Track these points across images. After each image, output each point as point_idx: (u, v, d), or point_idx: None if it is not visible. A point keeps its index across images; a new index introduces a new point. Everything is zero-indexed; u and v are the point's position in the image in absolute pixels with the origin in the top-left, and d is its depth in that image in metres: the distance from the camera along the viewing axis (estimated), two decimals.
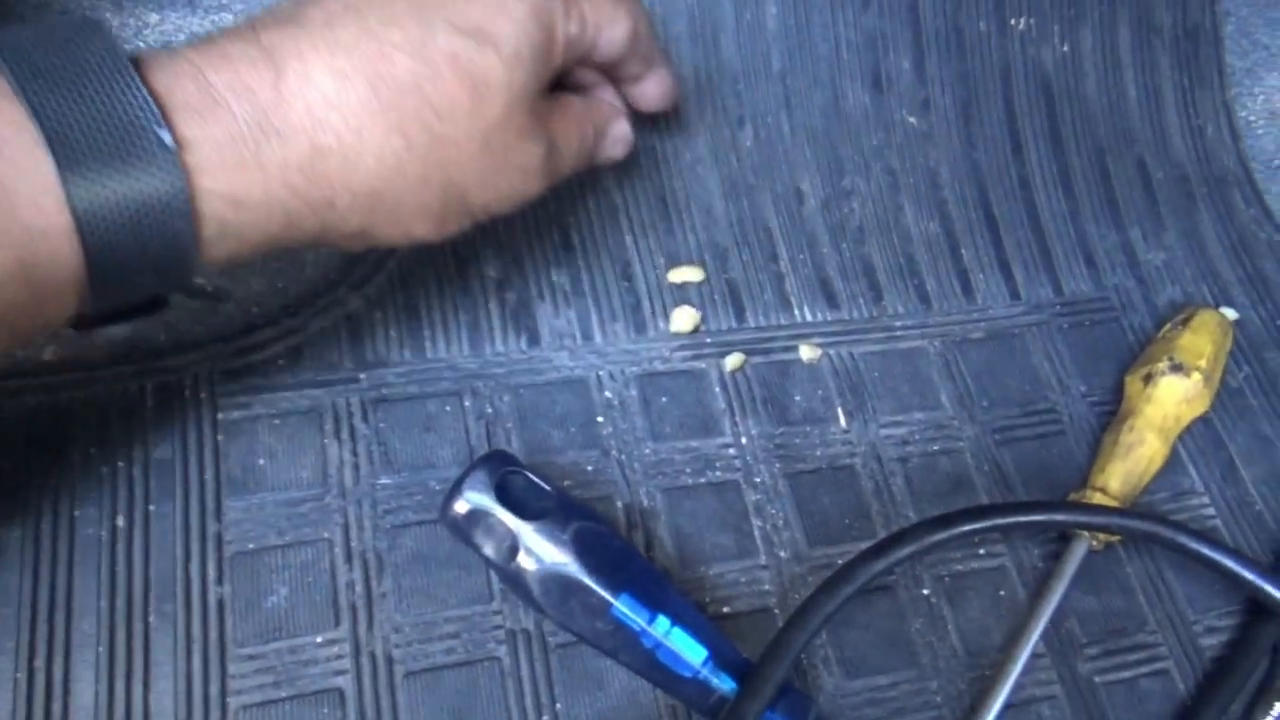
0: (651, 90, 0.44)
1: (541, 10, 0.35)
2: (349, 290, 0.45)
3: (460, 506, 0.34)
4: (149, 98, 0.27)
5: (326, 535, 0.39)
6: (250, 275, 0.45)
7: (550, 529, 0.34)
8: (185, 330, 0.43)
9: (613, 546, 0.36)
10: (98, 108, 0.27)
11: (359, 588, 0.38)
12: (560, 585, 0.34)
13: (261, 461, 0.40)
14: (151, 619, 0.36)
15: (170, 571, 0.37)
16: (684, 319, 0.47)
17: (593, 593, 0.34)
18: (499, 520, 0.34)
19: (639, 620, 0.34)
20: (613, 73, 0.43)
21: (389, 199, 0.32)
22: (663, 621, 0.34)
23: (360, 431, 0.42)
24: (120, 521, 0.38)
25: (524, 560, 0.34)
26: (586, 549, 0.34)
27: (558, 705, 0.38)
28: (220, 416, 0.41)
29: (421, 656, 0.38)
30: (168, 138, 0.27)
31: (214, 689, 0.35)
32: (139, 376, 0.41)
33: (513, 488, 0.35)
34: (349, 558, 0.39)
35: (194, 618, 0.36)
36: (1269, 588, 0.42)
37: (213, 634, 0.36)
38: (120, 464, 0.39)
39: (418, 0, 0.33)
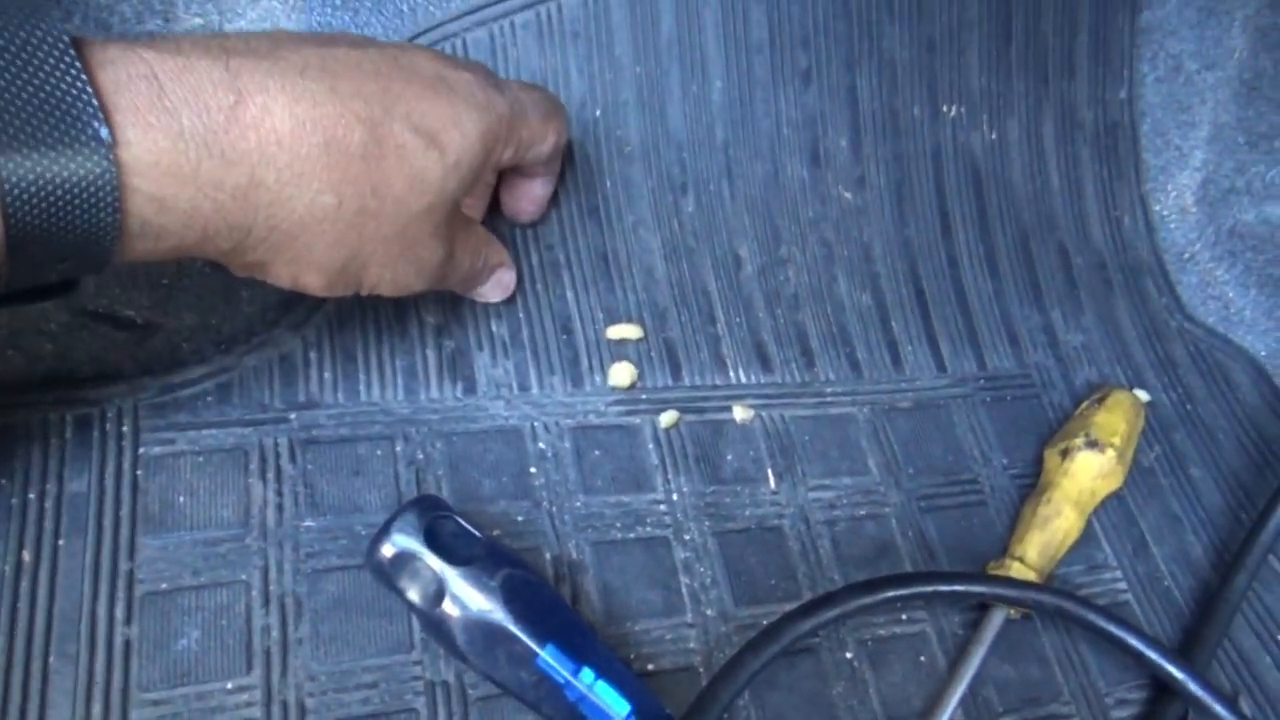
0: (534, 190, 0.48)
1: (489, 135, 0.38)
2: (285, 330, 0.44)
3: (387, 549, 0.34)
4: (90, 91, 0.27)
5: (244, 577, 0.38)
6: (183, 310, 0.44)
7: (478, 575, 0.34)
8: (110, 361, 0.42)
9: (541, 596, 0.35)
10: (38, 93, 0.27)
11: (275, 633, 0.37)
12: (486, 633, 0.34)
13: (181, 499, 0.39)
14: (52, 660, 0.34)
15: (76, 610, 0.36)
16: (622, 374, 0.48)
17: (519, 641, 0.34)
18: (426, 564, 0.34)
19: (564, 672, 0.34)
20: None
21: (300, 246, 0.34)
22: (588, 674, 0.34)
23: (287, 472, 0.41)
24: (26, 556, 0.36)
25: (450, 606, 0.34)
26: (515, 597, 0.34)
27: None
28: (141, 451, 0.40)
29: (336, 706, 0.36)
30: (105, 133, 0.27)
31: None
32: (58, 405, 0.39)
33: (442, 532, 0.35)
34: (266, 601, 0.38)
35: (98, 659, 0.35)
36: (1170, 667, 0.43)
37: (116, 677, 0.35)
38: (31, 495, 0.37)
39: (387, 87, 0.35)
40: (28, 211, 0.27)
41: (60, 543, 0.37)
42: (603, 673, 0.34)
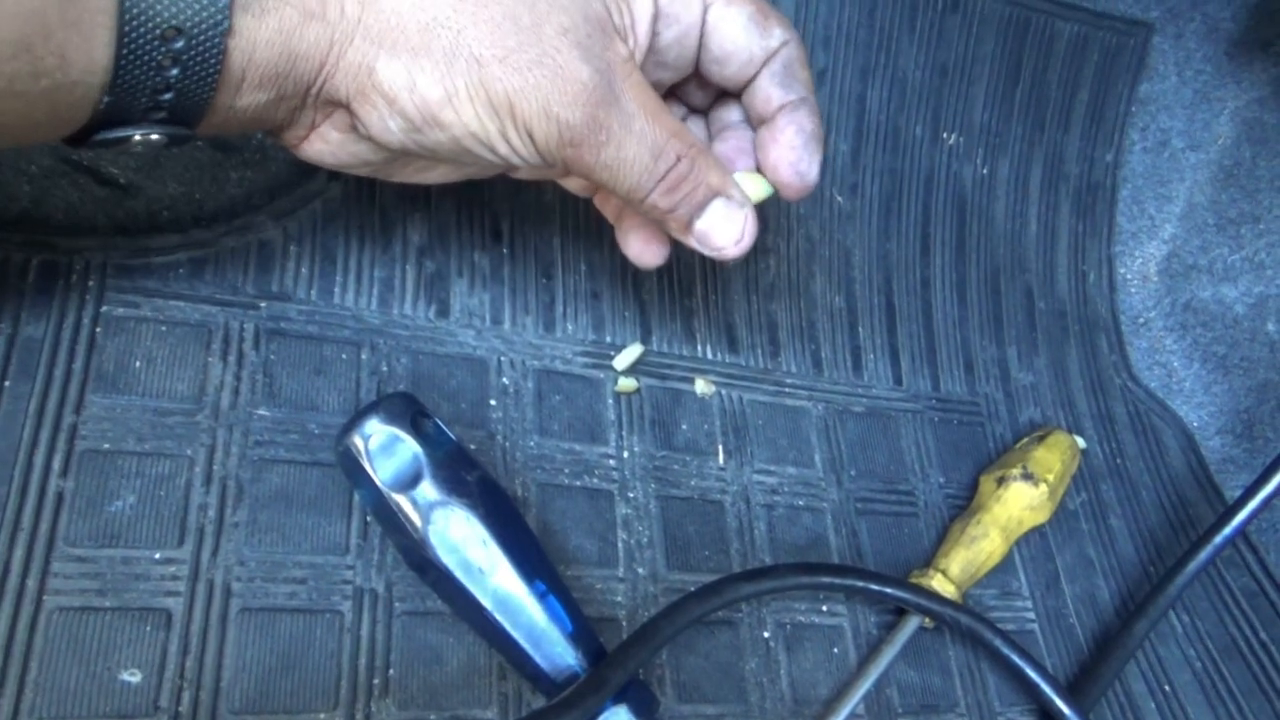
0: (781, 132, 0.36)
1: None
2: (268, 218, 0.43)
3: (371, 427, 0.34)
4: None
5: (189, 453, 0.37)
6: (167, 178, 0.43)
7: (456, 469, 0.35)
8: (86, 214, 0.41)
9: (506, 505, 0.36)
10: None
11: (212, 512, 0.37)
12: (456, 523, 0.34)
13: (138, 364, 0.38)
14: None
15: (12, 454, 0.35)
16: (630, 357, 0.48)
17: (486, 539, 0.34)
18: (409, 447, 0.34)
19: (520, 579, 0.34)
20: (748, 104, 0.37)
21: (388, 9, 0.30)
22: (539, 586, 0.35)
23: (248, 358, 0.40)
24: None
25: (425, 490, 0.34)
26: (486, 497, 0.35)
27: (391, 671, 0.37)
28: (104, 309, 0.39)
29: (262, 595, 0.36)
30: None
31: (31, 583, 0.33)
32: (25, 248, 0.38)
33: (423, 427, 0.35)
34: (208, 480, 0.37)
35: (27, 506, 0.34)
36: (1061, 704, 0.46)
37: (43, 527, 0.34)
38: None
39: None
40: None
41: (6, 384, 0.36)
42: (552, 589, 0.35)
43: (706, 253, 0.37)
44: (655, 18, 0.34)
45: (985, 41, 0.63)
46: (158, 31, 0.28)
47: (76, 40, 0.27)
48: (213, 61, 0.29)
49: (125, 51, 0.28)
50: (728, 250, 0.36)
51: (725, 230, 0.36)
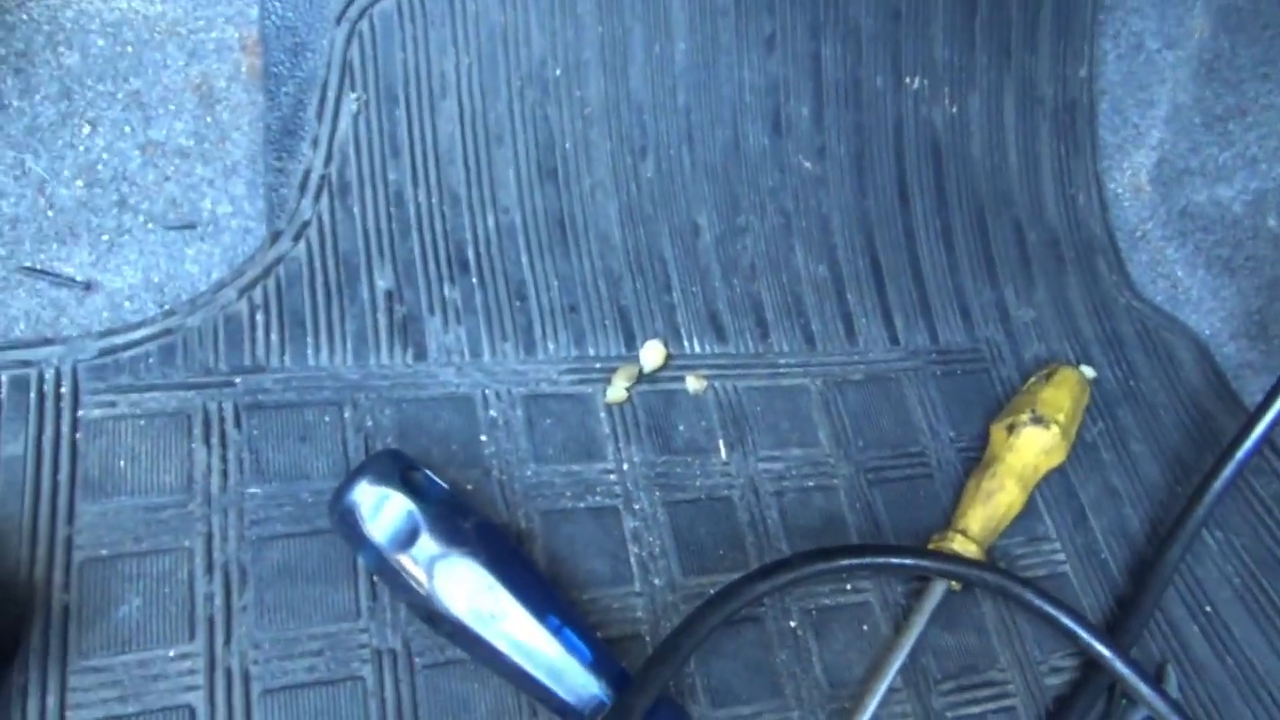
0: None
1: None
2: (231, 291, 0.43)
3: (361, 491, 0.35)
4: None
5: (187, 544, 0.38)
6: (124, 267, 0.43)
7: (453, 518, 0.35)
8: (48, 321, 0.41)
9: (508, 546, 0.36)
10: None
11: (218, 600, 0.37)
12: (459, 573, 0.34)
13: (122, 463, 0.38)
14: None
15: (11, 576, 0.35)
16: (654, 355, 0.49)
17: (493, 584, 0.34)
18: (402, 504, 0.35)
19: (532, 618, 0.35)
20: None
21: None
22: (552, 621, 0.35)
23: (231, 437, 0.40)
24: None
25: (425, 545, 0.34)
26: (487, 541, 0.35)
27: None
28: (80, 414, 0.39)
29: (280, 674, 0.36)
30: None
31: (51, 702, 0.33)
32: None
33: (413, 481, 0.35)
34: (210, 569, 0.37)
35: (35, 625, 0.34)
36: (1099, 646, 0.45)
37: (54, 643, 0.34)
38: None
39: None
40: None
41: None
42: (566, 622, 0.35)
43: None
44: None
45: None
46: None
47: None
48: None
49: None
50: None
51: None
